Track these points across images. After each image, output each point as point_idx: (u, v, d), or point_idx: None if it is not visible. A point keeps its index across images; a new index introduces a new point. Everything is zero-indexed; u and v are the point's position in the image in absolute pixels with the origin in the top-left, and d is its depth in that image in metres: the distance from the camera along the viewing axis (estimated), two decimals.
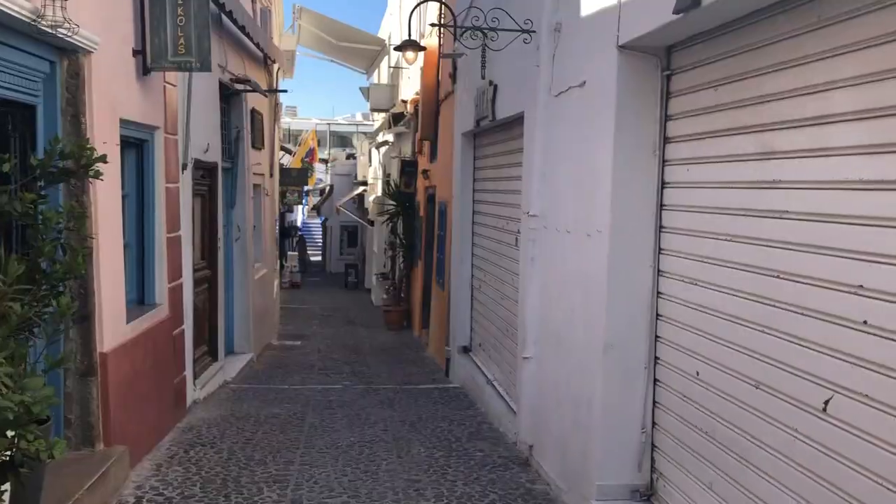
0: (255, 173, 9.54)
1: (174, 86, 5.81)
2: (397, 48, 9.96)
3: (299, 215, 39.85)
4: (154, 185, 5.50)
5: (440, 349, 9.51)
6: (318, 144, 33.89)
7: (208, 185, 7.25)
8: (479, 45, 5.55)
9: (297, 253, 23.17)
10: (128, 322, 4.83)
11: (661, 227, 3.88)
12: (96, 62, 4.26)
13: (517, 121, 6.00)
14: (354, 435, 5.81)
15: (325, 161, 32.81)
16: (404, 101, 13.06)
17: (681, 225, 3.69)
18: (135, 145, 5.32)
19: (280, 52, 10.67)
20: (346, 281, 21.89)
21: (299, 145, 24.47)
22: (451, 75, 8.90)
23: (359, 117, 44.10)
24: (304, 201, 38.16)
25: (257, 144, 9.55)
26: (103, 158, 3.78)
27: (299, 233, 32.31)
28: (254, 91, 8.40)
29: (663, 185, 3.85)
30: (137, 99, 5.02)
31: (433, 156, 11.11)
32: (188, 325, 6.31)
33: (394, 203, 13.23)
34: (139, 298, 5.48)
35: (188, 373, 6.30)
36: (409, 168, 12.04)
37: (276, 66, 10.84)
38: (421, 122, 10.76)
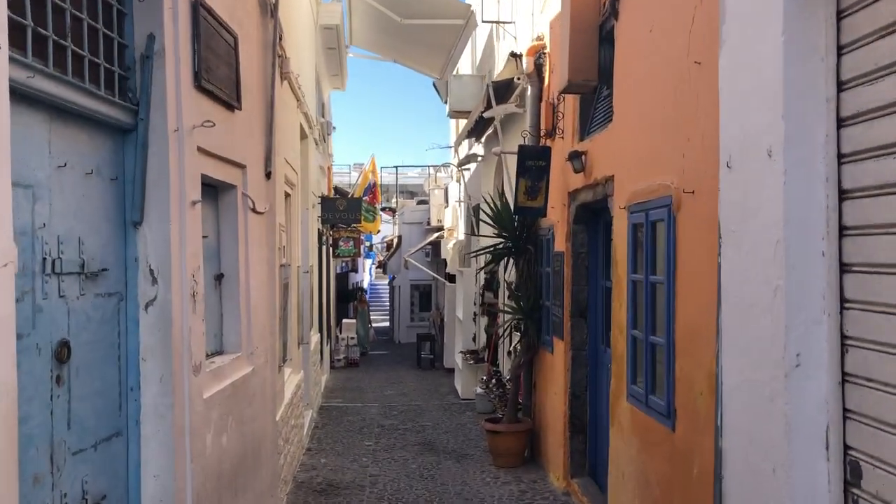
0: (207, 152, 4.12)
1: None
2: None
3: (366, 275, 34.43)
4: None
5: None
6: (383, 194, 28.78)
7: None
8: None
9: (354, 321, 17.67)
10: None
11: None
12: None
13: None
14: None
15: (392, 210, 27.64)
16: (515, 56, 7.49)
17: None
18: None
19: None
20: (419, 358, 16.25)
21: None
22: None
23: (430, 171, 38.69)
24: (371, 257, 32.86)
25: (212, 86, 4.12)
26: None
27: (365, 295, 26.80)
28: None
29: None
30: None
31: (593, 120, 5.49)
32: None
33: (502, 233, 7.44)
34: None
35: None
36: (532, 160, 6.33)
37: None
38: (570, 57, 5.18)
